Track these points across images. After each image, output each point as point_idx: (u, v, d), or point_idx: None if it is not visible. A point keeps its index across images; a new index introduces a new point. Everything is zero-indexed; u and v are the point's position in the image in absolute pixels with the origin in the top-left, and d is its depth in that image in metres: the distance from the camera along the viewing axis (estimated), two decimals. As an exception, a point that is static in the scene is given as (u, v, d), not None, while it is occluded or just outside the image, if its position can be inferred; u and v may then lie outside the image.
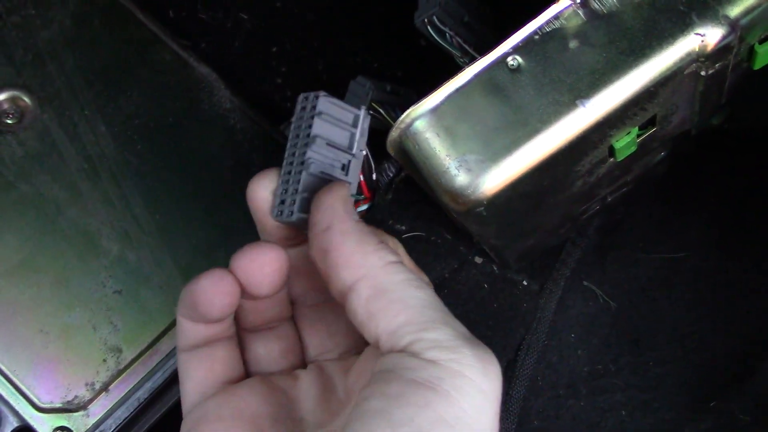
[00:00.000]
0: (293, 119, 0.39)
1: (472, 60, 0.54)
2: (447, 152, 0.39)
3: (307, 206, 0.38)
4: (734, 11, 0.39)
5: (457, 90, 0.39)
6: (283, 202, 0.39)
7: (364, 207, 0.53)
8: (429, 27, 0.52)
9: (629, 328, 0.58)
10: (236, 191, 0.55)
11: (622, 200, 0.55)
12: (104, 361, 0.51)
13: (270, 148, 0.56)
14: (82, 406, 0.50)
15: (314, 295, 0.42)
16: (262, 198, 0.39)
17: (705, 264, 0.59)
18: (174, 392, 0.53)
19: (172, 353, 0.52)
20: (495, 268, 0.57)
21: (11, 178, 0.54)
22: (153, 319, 0.52)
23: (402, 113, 0.40)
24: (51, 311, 0.52)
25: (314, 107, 0.38)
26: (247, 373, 0.41)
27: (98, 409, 0.51)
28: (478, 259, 0.57)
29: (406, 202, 0.56)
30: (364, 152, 0.41)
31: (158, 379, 0.52)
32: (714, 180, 0.60)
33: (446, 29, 0.52)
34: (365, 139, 0.40)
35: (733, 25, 0.39)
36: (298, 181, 0.38)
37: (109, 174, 0.54)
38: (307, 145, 0.38)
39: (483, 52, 0.53)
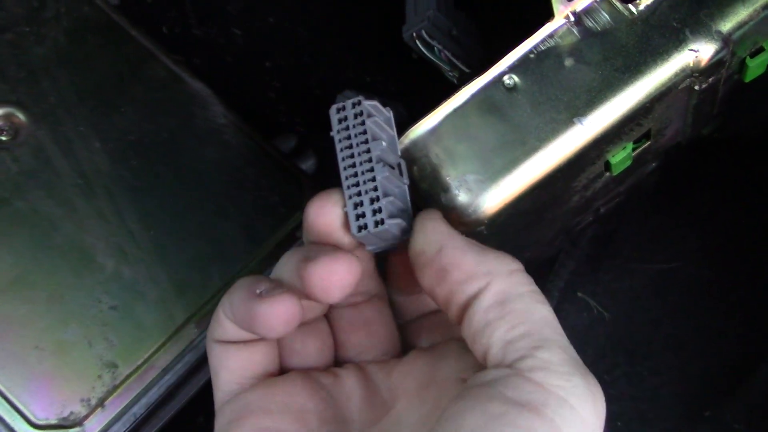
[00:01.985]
0: (333, 133, 0.37)
1: (462, 74, 0.54)
2: (446, 173, 0.39)
3: (393, 211, 0.37)
4: (726, 26, 0.39)
5: (455, 110, 0.39)
6: (361, 215, 0.36)
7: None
8: (417, 41, 0.52)
9: (624, 338, 0.59)
10: (231, 206, 0.55)
11: (615, 211, 0.55)
12: (99, 377, 0.51)
13: (264, 163, 0.56)
14: (77, 423, 0.50)
15: (354, 295, 0.40)
16: (334, 217, 0.37)
17: (698, 273, 0.60)
18: (169, 408, 0.53)
19: (168, 368, 0.51)
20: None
21: (6, 195, 0.54)
22: (149, 335, 0.52)
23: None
24: (46, 327, 0.51)
25: (360, 113, 0.37)
26: (282, 367, 0.40)
27: (94, 425, 0.50)
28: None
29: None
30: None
31: (154, 394, 0.51)
32: (706, 189, 0.61)
33: (434, 43, 0.52)
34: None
35: (725, 40, 0.39)
36: (374, 189, 0.36)
37: (103, 190, 0.54)
38: (369, 151, 0.36)
39: (472, 65, 0.54)
